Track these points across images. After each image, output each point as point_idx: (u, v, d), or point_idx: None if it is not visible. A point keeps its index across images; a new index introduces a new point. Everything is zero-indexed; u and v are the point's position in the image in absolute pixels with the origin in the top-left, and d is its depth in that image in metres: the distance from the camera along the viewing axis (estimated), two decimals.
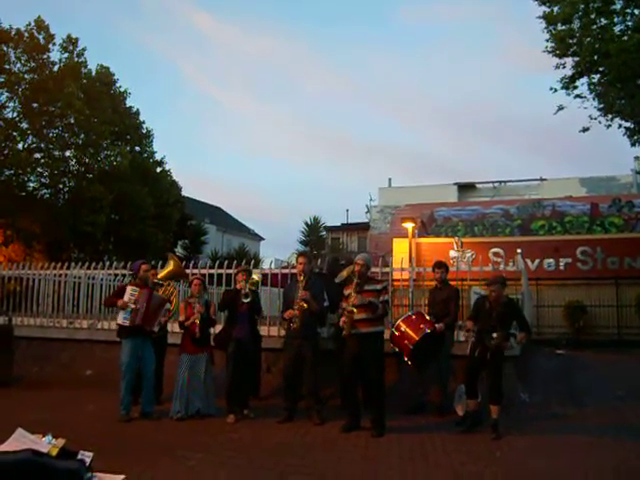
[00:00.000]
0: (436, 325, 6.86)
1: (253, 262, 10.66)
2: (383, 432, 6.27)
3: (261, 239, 52.08)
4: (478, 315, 6.64)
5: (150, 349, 7.28)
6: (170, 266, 8.69)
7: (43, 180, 25.69)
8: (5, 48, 23.72)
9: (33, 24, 24.58)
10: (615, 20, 12.89)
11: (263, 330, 8.57)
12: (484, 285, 6.98)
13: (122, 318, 7.13)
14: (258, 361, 8.02)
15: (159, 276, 8.45)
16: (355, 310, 6.32)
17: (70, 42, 25.91)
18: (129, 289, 7.22)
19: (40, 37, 24.62)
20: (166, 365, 7.96)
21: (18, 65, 24.35)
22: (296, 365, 7.01)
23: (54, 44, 25.23)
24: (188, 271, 9.41)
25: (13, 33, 23.90)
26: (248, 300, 7.08)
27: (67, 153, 25.90)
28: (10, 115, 24.58)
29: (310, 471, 5.00)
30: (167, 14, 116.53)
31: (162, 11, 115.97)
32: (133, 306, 7.07)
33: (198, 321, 7.17)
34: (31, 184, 25.59)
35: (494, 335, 6.30)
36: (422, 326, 6.71)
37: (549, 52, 13.75)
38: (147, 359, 7.21)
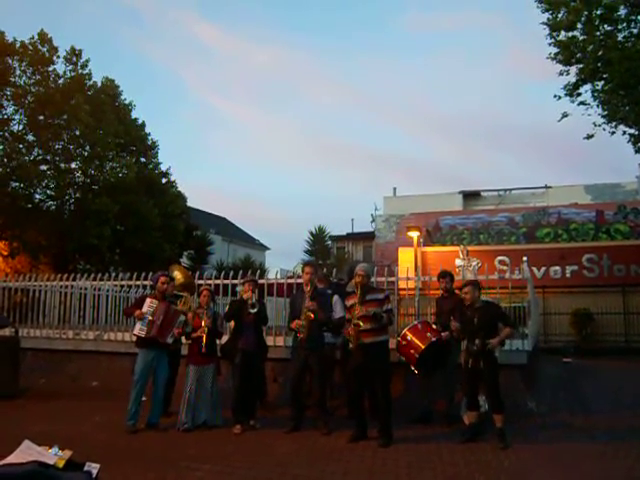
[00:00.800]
0: (442, 334, 6.86)
1: (259, 272, 10.66)
2: (390, 442, 6.23)
3: (266, 249, 52.04)
4: (464, 325, 6.56)
5: (165, 361, 7.29)
6: (179, 277, 8.59)
7: (49, 192, 25.75)
8: (10, 61, 23.91)
9: (36, 37, 24.72)
10: (619, 27, 12.93)
11: (269, 340, 8.55)
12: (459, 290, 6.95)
13: (138, 328, 7.17)
14: (262, 371, 7.98)
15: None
16: (361, 323, 6.31)
17: (74, 54, 25.97)
18: (148, 301, 7.26)
19: (44, 50, 24.74)
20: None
21: (24, 78, 24.49)
22: (303, 375, 7.01)
23: (58, 56, 25.35)
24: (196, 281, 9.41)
25: (18, 46, 24.05)
26: (255, 311, 7.08)
27: (73, 165, 25.96)
28: (16, 128, 24.72)
29: None
30: (169, 25, 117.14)
31: (164, 22, 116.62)
32: (150, 317, 7.11)
33: (205, 335, 7.17)
34: (37, 196, 25.65)
35: (476, 342, 6.27)
36: (428, 335, 6.70)
37: (553, 59, 13.79)
38: (160, 371, 7.23)
